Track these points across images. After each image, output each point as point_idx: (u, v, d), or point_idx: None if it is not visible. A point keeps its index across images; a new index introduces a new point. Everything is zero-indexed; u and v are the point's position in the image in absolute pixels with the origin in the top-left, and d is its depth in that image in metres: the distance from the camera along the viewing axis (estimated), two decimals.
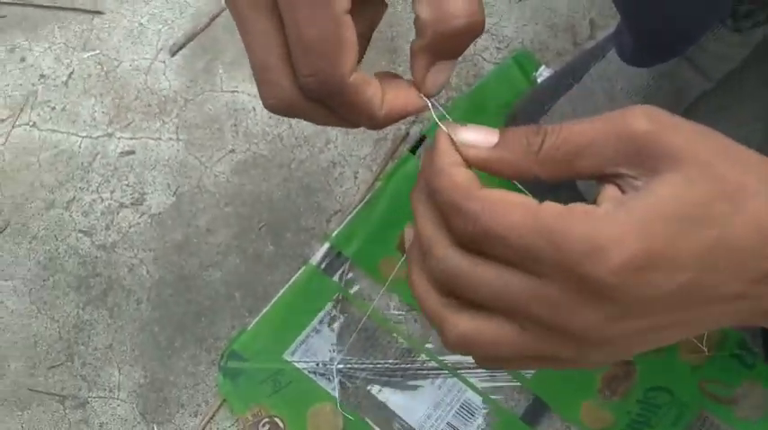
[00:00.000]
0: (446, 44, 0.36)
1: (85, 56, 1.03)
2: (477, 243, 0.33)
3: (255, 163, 0.93)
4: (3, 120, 1.00)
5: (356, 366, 0.80)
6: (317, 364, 0.80)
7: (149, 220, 0.92)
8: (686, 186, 0.31)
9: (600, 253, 0.30)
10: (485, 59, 0.96)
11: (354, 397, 0.79)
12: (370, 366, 0.79)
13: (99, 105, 0.99)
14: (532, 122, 0.86)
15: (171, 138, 0.96)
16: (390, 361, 0.80)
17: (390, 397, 0.79)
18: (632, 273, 0.30)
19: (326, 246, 0.85)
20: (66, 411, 0.83)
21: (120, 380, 0.84)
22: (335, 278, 0.84)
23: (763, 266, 0.32)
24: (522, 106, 0.90)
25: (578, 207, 0.31)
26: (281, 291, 0.84)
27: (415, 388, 0.79)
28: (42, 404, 0.84)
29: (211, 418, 0.81)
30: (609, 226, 0.31)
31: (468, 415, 0.77)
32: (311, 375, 0.80)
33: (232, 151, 0.94)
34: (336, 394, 0.79)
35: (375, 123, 0.37)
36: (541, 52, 0.97)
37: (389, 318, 0.82)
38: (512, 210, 0.32)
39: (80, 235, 0.92)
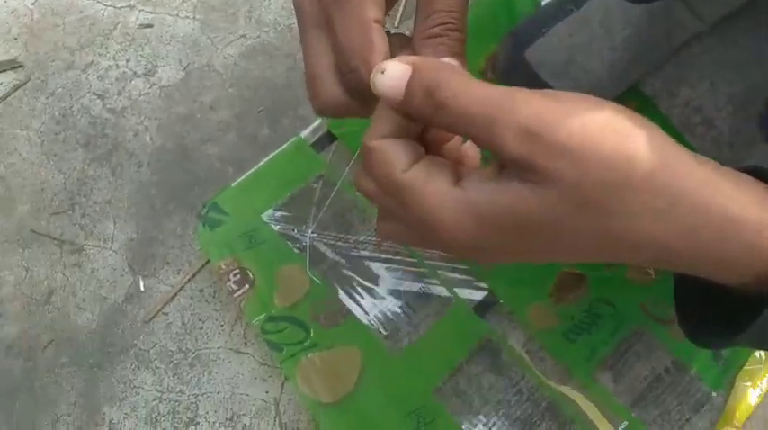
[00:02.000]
0: None
1: None
2: None
3: (264, 50, 0.97)
4: None
5: (327, 238, 0.85)
6: (293, 230, 0.85)
7: (158, 91, 0.97)
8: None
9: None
10: None
11: (322, 264, 0.83)
12: (341, 243, 0.84)
13: None
14: (530, 43, 0.89)
15: (188, 17, 1.00)
16: (362, 237, 0.85)
17: (355, 271, 0.83)
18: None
19: (318, 122, 0.89)
20: (63, 255, 0.90)
21: (114, 233, 0.91)
22: (322, 154, 0.88)
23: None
24: (523, 26, 0.93)
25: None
26: (270, 156, 0.88)
27: (378, 271, 0.84)
28: (42, 246, 0.91)
29: (192, 278, 0.88)
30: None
31: (426, 298, 0.82)
32: (285, 238, 0.84)
33: (243, 36, 0.99)
34: (306, 259, 0.83)
35: None
36: None
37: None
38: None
39: (93, 97, 0.97)
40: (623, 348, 0.79)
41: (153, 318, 0.86)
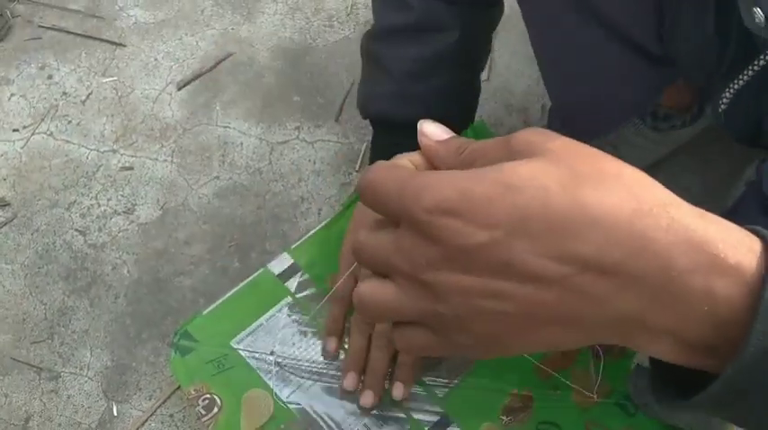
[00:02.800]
0: None
1: (104, 80, 1.18)
2: (370, 205, 0.38)
3: (235, 190, 1.07)
4: (25, 127, 1.14)
5: (292, 362, 0.89)
6: (259, 354, 0.89)
7: (137, 228, 1.05)
8: (523, 163, 0.34)
9: (420, 193, 0.34)
10: None
11: (288, 388, 0.87)
12: (305, 365, 0.89)
13: (109, 124, 1.14)
14: None
15: (166, 160, 1.10)
16: (323, 362, 0.90)
17: (318, 393, 0.88)
18: (441, 215, 0.33)
19: (284, 255, 0.96)
20: (41, 381, 0.95)
21: (90, 361, 0.96)
22: (288, 284, 0.94)
23: (580, 250, 0.32)
24: None
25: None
26: (239, 286, 0.94)
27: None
28: (21, 373, 0.96)
29: (163, 403, 0.93)
30: (439, 176, 0.35)
31: (383, 420, 0.87)
32: (252, 363, 0.89)
33: (217, 178, 1.08)
34: (272, 383, 0.88)
35: None
36: (495, 127, 1.10)
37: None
38: (392, 172, 0.37)
39: (76, 233, 1.05)
40: None
41: None
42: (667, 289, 0.32)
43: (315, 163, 1.08)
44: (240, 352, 0.90)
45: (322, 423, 0.86)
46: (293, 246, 0.97)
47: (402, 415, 0.87)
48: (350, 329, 0.88)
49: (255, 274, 0.96)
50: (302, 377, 0.89)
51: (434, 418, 0.87)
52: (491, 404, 0.88)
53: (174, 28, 1.22)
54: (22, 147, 1.13)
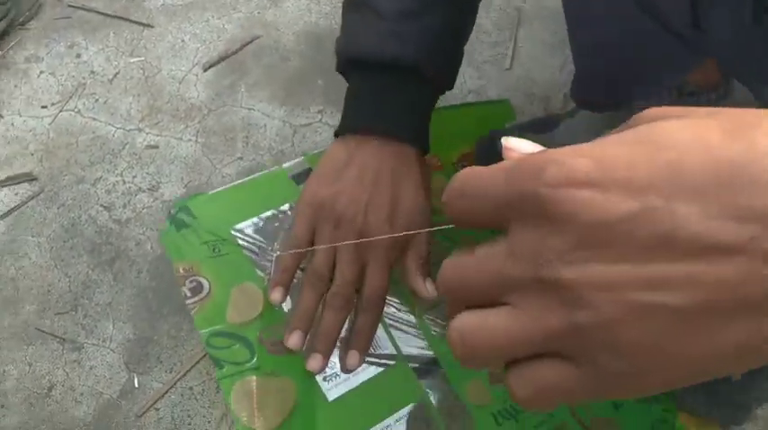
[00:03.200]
0: None
1: (132, 60, 1.20)
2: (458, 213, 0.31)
3: (258, 171, 1.08)
4: (54, 104, 1.16)
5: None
6: (258, 247, 0.84)
7: (160, 205, 1.07)
8: (667, 121, 0.27)
9: (539, 169, 0.27)
10: None
11: None
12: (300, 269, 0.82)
13: (135, 103, 1.16)
14: (491, 162, 0.99)
15: (190, 140, 1.12)
16: None
17: None
18: (572, 187, 0.26)
19: (302, 159, 0.92)
20: (64, 352, 0.98)
21: (112, 333, 0.99)
22: (301, 187, 0.87)
23: (753, 204, 0.25)
24: (487, 146, 1.02)
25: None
26: (251, 176, 0.90)
27: None
28: (45, 343, 0.98)
29: (183, 376, 0.95)
30: (561, 150, 0.27)
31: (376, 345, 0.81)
32: (249, 254, 0.84)
33: (240, 158, 1.10)
34: (265, 280, 0.82)
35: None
36: (518, 116, 1.11)
37: None
38: (486, 169, 0.30)
39: (101, 208, 1.07)
40: None
41: (145, 412, 0.92)
42: None
43: None
44: (239, 240, 0.85)
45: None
46: (312, 153, 0.94)
47: (391, 349, 0.81)
48: (301, 282, 0.79)
49: (269, 170, 0.92)
50: (296, 279, 0.81)
51: (425, 357, 0.81)
52: None
53: (202, 10, 1.24)
54: (50, 124, 1.15)
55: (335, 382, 0.78)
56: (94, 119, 1.15)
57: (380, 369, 0.79)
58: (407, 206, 0.75)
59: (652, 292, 0.25)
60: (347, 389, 0.78)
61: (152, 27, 1.22)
